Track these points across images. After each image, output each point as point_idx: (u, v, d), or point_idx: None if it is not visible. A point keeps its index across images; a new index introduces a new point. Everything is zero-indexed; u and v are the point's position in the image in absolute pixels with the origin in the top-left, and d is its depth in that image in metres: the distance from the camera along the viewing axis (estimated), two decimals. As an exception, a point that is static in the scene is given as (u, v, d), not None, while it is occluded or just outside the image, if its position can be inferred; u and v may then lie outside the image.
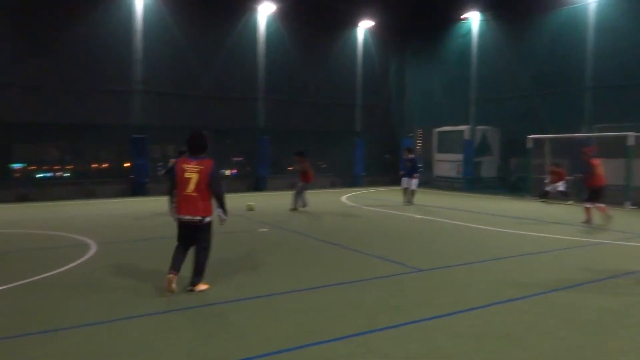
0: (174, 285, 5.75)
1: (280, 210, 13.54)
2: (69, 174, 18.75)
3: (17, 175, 17.85)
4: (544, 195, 16.20)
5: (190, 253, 6.03)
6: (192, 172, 5.74)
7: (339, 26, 22.90)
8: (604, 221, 11.14)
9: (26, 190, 16.66)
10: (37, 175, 18.17)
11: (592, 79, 17.19)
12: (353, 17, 22.98)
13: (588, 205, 11.42)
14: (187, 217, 5.78)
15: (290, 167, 15.05)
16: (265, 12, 20.97)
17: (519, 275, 6.85)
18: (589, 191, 11.41)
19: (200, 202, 5.75)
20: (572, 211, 13.79)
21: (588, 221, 11.37)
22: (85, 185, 17.58)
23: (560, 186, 15.77)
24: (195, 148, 5.92)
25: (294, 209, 13.62)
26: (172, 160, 19.75)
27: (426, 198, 17.40)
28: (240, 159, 22.42)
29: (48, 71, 16.84)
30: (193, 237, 5.93)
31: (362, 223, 11.86)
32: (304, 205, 13.63)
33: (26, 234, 10.01)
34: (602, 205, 11.30)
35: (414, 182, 15.24)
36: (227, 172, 21.96)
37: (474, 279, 6.64)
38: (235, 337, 4.54)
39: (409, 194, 15.40)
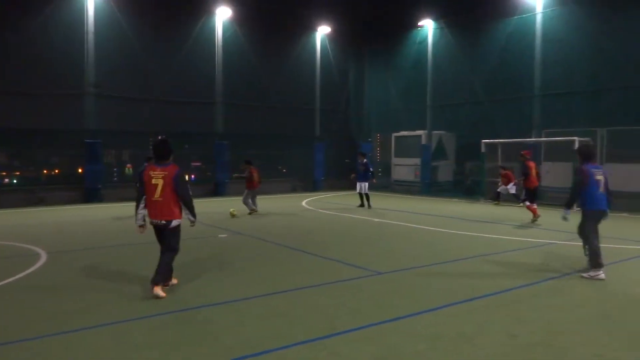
0: (161, 294, 5.91)
1: (239, 216, 13.41)
2: (16, 181, 17.95)
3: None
4: (496, 198, 16.80)
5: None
6: (157, 179, 5.99)
7: (298, 31, 23.02)
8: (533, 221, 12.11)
9: (-30, 198, 15.84)
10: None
11: (540, 87, 17.99)
12: (311, 22, 23.16)
13: (528, 204, 12.32)
14: (155, 221, 6.08)
15: (236, 174, 15.27)
16: (222, 16, 20.82)
17: (473, 276, 7.06)
18: (526, 191, 12.38)
19: (166, 207, 6.00)
20: (523, 212, 14.33)
21: (535, 218, 12.17)
22: (35, 192, 16.88)
23: (511, 188, 16.38)
24: (160, 155, 6.14)
25: (253, 212, 13.87)
26: (128, 166, 19.18)
27: (384, 201, 17.67)
28: (199, 164, 22.11)
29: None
30: (163, 239, 6.23)
31: (322, 227, 11.93)
32: (254, 210, 13.97)
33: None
34: (534, 206, 12.22)
35: (365, 185, 15.44)
36: (186, 177, 21.59)
37: (431, 280, 6.81)
38: (194, 344, 4.47)
39: (365, 198, 15.57)
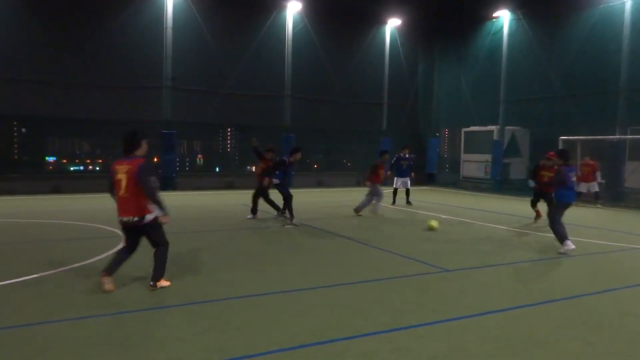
0: (106, 287, 5.58)
1: (306, 208, 13.57)
2: (99, 168, 19.25)
3: (50, 168, 18.43)
4: (578, 197, 15.75)
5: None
6: (122, 173, 5.56)
7: (367, 24, 22.83)
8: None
9: (59, 183, 17.18)
10: (70, 168, 18.71)
11: (627, 80, 16.72)
12: (381, 15, 22.87)
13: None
14: (125, 219, 5.64)
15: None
16: (292, 10, 21.06)
17: (546, 278, 6.74)
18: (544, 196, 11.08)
19: (134, 202, 5.57)
20: (602, 215, 13.47)
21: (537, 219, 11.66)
22: (115, 179, 17.98)
23: (595, 186, 15.29)
24: (126, 148, 5.71)
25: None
26: (199, 156, 19.85)
27: (452, 198, 17.23)
28: (266, 156, 22.59)
29: (81, 68, 17.30)
30: (137, 238, 5.87)
31: (388, 222, 11.82)
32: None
33: (61, 224, 10.32)
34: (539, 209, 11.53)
35: (401, 181, 14.87)
36: (253, 169, 22.17)
37: (501, 280, 6.57)
38: (258, 331, 4.60)
39: (395, 193, 15.06)
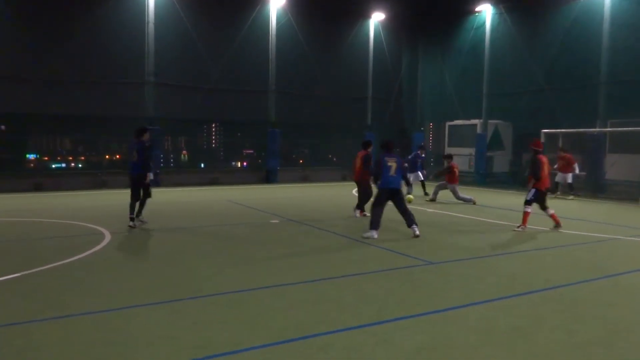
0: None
1: (292, 203, 13.57)
2: (81, 165, 19.01)
3: (31, 165, 18.13)
4: (555, 190, 16.08)
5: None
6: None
7: (351, 19, 22.83)
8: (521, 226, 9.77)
9: (41, 180, 16.91)
10: (52, 166, 18.44)
11: (607, 74, 16.98)
12: (365, 9, 22.88)
13: (528, 209, 9.75)
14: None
15: (437, 171, 15.26)
16: (276, 5, 20.94)
17: (529, 270, 6.84)
18: (535, 192, 9.67)
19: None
20: (580, 206, 13.71)
21: (521, 226, 9.75)
22: (97, 176, 17.79)
23: (569, 177, 15.65)
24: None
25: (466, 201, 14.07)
26: (184, 152, 19.91)
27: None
28: (251, 152, 22.55)
29: (61, 64, 17.01)
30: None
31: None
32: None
33: (43, 222, 10.18)
34: (551, 211, 9.88)
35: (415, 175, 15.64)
36: (238, 165, 22.11)
37: (484, 272, 6.65)
38: (244, 326, 4.60)
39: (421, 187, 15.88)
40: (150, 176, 9.87)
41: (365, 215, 11.00)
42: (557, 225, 9.87)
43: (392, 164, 8.74)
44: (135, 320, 4.71)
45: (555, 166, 15.73)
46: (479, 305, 5.23)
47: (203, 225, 10.29)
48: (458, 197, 14.08)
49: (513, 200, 15.41)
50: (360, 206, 11.46)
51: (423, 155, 16.50)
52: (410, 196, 12.66)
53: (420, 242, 8.59)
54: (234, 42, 20.04)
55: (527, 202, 9.76)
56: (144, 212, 10.00)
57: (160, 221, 10.49)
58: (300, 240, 8.84)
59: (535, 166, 9.58)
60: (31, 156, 18.22)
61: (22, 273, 6.20)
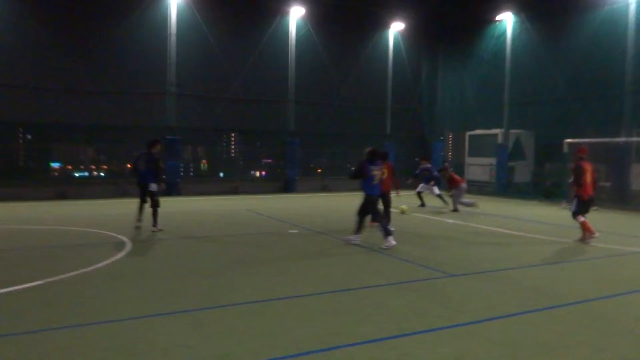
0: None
1: (311, 213, 13.55)
2: (103, 174, 19.31)
3: (55, 174, 18.49)
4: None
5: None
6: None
7: (370, 29, 22.86)
8: (585, 238, 9.45)
9: (65, 189, 17.23)
10: (75, 174, 18.78)
11: (632, 82, 16.61)
12: (384, 19, 22.90)
13: (582, 219, 9.43)
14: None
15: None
16: (296, 15, 21.10)
17: (553, 283, 6.67)
18: (578, 201, 9.43)
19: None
20: (604, 218, 13.37)
21: (585, 238, 9.46)
22: (119, 185, 18.04)
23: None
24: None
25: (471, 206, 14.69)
26: (204, 162, 20.21)
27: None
28: (270, 161, 22.64)
29: (85, 75, 17.41)
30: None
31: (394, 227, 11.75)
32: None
33: (66, 230, 10.33)
34: (583, 219, 9.45)
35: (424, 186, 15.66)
36: (257, 174, 22.20)
37: (507, 285, 6.50)
38: (263, 337, 4.56)
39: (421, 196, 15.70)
40: (154, 187, 10.12)
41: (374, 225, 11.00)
42: (585, 237, 9.44)
43: (377, 172, 9.01)
44: (153, 329, 4.72)
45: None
46: (502, 319, 5.11)
47: (223, 234, 10.33)
48: (460, 202, 14.61)
49: (534, 211, 15.15)
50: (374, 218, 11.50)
51: (428, 166, 15.86)
52: (404, 207, 13.70)
53: (440, 254, 8.46)
54: (254, 53, 20.23)
55: (575, 214, 9.46)
56: (159, 220, 10.30)
57: (180, 230, 10.56)
58: (319, 250, 8.79)
59: (576, 173, 9.47)
60: (55, 165, 18.59)
61: (46, 280, 6.29)
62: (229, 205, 15.74)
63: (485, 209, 15.19)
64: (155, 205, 10.18)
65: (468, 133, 22.13)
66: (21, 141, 17.89)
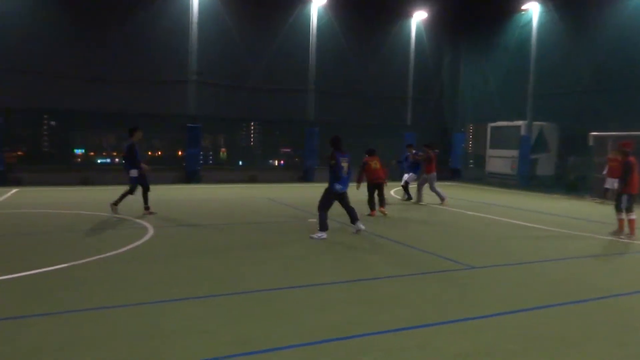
0: None
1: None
2: (124, 161, 19.53)
3: (78, 160, 18.81)
4: (604, 196, 15.38)
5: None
6: None
7: (392, 18, 22.59)
8: (630, 234, 9.24)
9: (87, 175, 17.53)
10: (98, 161, 19.08)
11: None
12: (406, 8, 22.60)
13: (633, 216, 9.24)
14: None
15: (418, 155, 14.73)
16: (317, 4, 20.95)
17: (577, 277, 6.55)
18: (628, 198, 9.18)
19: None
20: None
21: (618, 232, 9.34)
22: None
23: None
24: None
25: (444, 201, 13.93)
26: (223, 150, 20.28)
27: (478, 194, 16.95)
28: (288, 150, 22.64)
29: (108, 62, 17.60)
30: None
31: (412, 218, 11.69)
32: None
33: (90, 215, 10.52)
34: (633, 216, 9.24)
35: (410, 176, 14.58)
36: (276, 163, 22.24)
37: (529, 279, 6.41)
38: (282, 323, 4.58)
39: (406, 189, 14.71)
40: (133, 173, 10.67)
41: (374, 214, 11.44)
42: (622, 231, 9.27)
43: (345, 164, 8.86)
44: (172, 314, 4.77)
45: (604, 172, 15.04)
46: (523, 313, 5.03)
47: (243, 222, 10.40)
48: (434, 189, 13.81)
49: (557, 204, 14.89)
50: (383, 204, 11.78)
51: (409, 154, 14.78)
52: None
53: (461, 246, 8.38)
54: (274, 42, 20.19)
55: (620, 210, 9.20)
56: (150, 203, 11.09)
57: (201, 217, 10.66)
58: (337, 239, 8.78)
59: (626, 169, 9.08)
60: (78, 151, 18.91)
61: (70, 264, 6.41)
62: (249, 194, 15.83)
63: (507, 202, 14.99)
64: (129, 191, 10.70)
65: (490, 124, 21.81)
66: (45, 128, 18.21)
